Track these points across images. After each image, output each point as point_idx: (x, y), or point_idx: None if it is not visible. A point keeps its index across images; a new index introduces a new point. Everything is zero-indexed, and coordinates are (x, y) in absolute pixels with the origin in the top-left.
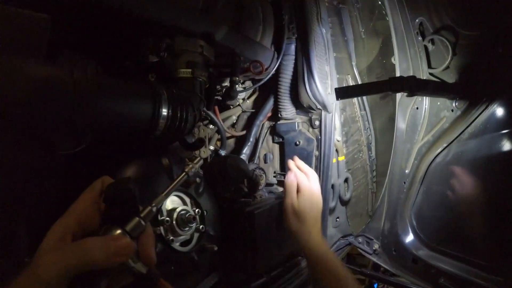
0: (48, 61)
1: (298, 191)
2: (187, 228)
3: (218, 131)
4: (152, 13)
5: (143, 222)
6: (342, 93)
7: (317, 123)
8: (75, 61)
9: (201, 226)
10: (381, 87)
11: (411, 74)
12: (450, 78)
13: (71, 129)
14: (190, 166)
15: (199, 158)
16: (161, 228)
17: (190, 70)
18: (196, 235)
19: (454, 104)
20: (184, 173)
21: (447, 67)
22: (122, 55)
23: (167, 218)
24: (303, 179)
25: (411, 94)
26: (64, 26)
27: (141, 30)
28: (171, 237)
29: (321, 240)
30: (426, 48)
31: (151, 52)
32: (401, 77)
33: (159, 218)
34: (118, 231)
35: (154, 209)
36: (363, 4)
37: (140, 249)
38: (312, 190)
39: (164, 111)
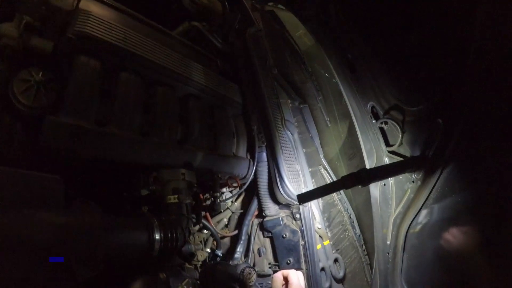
0: (64, 211)
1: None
2: None
3: (212, 235)
4: (142, 158)
5: None
6: (303, 198)
7: (298, 216)
8: (85, 207)
9: None
10: (336, 186)
11: (375, 154)
12: (406, 152)
13: (86, 260)
14: None
15: (187, 280)
16: None
17: (176, 196)
18: None
19: (413, 176)
20: None
21: (401, 143)
22: (119, 193)
23: None
24: (293, 275)
25: (364, 185)
26: (73, 181)
27: (133, 171)
28: None
29: None
30: (382, 129)
31: (142, 186)
32: (351, 173)
33: None
34: None
35: None
36: (325, 94)
37: None
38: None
39: (157, 236)
